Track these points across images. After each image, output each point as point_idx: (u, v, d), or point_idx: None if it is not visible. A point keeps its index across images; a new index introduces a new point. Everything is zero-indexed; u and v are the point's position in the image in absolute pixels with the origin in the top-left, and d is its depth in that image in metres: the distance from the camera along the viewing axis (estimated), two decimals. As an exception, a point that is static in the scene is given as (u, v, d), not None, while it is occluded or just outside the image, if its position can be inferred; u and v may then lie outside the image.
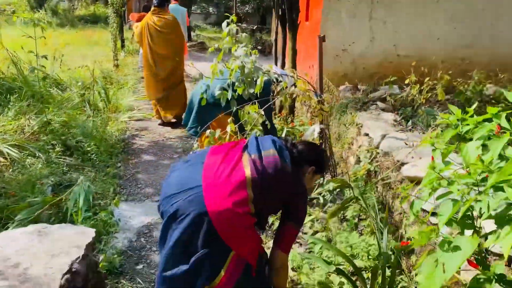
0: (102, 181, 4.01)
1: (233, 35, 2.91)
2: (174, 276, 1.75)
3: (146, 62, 5.70)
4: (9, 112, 5.32)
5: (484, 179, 1.24)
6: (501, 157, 1.29)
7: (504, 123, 1.29)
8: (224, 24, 2.89)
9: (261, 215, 1.84)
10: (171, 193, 1.79)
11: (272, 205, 1.90)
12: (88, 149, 4.55)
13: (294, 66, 5.30)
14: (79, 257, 2.01)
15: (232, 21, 2.94)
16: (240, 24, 23.73)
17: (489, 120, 1.41)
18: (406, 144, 3.36)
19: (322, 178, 3.55)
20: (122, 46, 12.43)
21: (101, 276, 2.29)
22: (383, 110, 4.47)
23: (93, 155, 4.51)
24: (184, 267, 1.74)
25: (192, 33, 19.94)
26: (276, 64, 6.18)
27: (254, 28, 23.26)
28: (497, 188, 1.22)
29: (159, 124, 5.79)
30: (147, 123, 5.85)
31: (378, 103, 4.62)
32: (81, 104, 5.97)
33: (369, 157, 3.53)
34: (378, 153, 3.51)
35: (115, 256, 2.73)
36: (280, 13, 5.32)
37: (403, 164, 3.14)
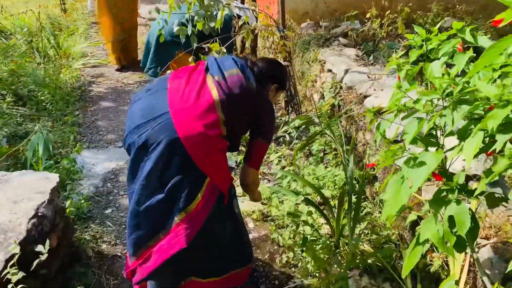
0: (60, 130, 3.85)
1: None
2: (149, 206, 1.72)
3: (105, 3, 5.38)
4: None
5: (449, 94, 1.26)
6: (464, 72, 1.31)
7: (469, 37, 1.30)
8: None
9: (232, 137, 1.81)
10: (138, 124, 1.72)
11: (241, 124, 1.87)
12: (42, 98, 4.32)
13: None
14: (44, 201, 1.95)
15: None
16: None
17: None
18: (369, 78, 3.39)
19: (290, 113, 3.57)
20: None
21: (69, 221, 2.25)
22: (345, 45, 4.45)
23: (48, 104, 4.29)
24: (159, 196, 1.71)
25: None
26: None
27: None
28: (461, 102, 1.25)
29: (116, 70, 5.58)
30: (102, 70, 5.58)
31: (340, 39, 4.59)
32: (29, 52, 5.59)
33: (333, 92, 3.55)
34: (342, 87, 3.53)
35: (82, 201, 2.68)
36: None
37: (366, 97, 3.18)
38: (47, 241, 1.74)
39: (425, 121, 1.38)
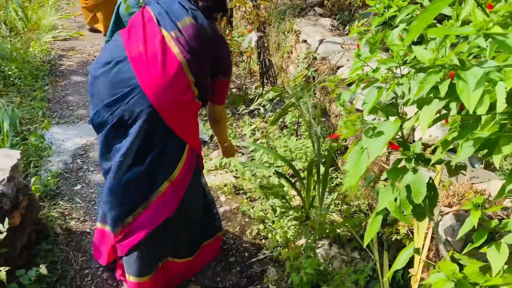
0: (29, 105, 3.74)
1: None
2: (128, 181, 1.70)
3: None
4: None
5: (407, 62, 1.24)
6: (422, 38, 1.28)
7: (427, 2, 1.26)
8: None
9: (201, 90, 1.77)
10: (108, 101, 1.66)
11: (205, 72, 1.82)
12: (10, 73, 4.17)
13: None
14: (4, 179, 1.90)
15: None
16: None
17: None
18: (342, 48, 3.35)
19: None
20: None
21: (34, 198, 2.21)
22: (321, 15, 4.38)
23: (17, 79, 4.15)
24: (140, 169, 1.70)
25: None
26: None
27: None
28: (420, 70, 1.23)
29: (89, 30, 5.77)
30: (73, 43, 5.40)
31: (316, 8, 4.50)
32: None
33: (307, 63, 3.50)
34: (316, 58, 3.48)
35: (50, 178, 2.62)
36: None
37: (339, 67, 3.15)
38: (6, 220, 1.70)
39: (384, 90, 1.36)
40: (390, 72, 1.35)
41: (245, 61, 4.77)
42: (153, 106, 1.62)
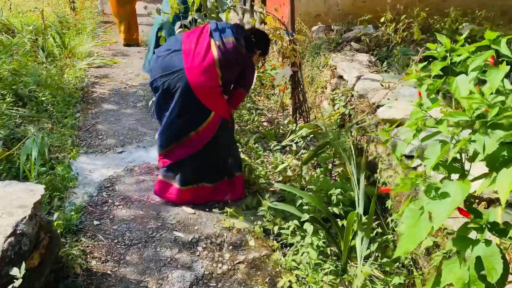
0: (59, 132, 3.72)
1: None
2: (172, 123, 2.62)
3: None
4: None
5: (480, 116, 1.07)
6: (499, 92, 1.12)
7: (505, 50, 1.10)
8: None
9: (226, 85, 2.62)
10: (162, 74, 2.54)
11: (232, 77, 2.64)
12: (43, 99, 4.19)
13: (264, 0, 4.96)
14: (25, 217, 1.79)
15: None
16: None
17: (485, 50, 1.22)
18: (382, 86, 3.19)
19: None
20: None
21: (56, 235, 2.09)
22: (358, 51, 4.26)
23: (49, 105, 4.17)
24: (180, 120, 2.59)
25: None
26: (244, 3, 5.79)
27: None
28: (495, 126, 1.06)
29: (124, 45, 6.76)
30: (107, 70, 5.46)
31: (353, 43, 4.39)
32: (33, 50, 5.48)
33: (344, 100, 3.35)
34: (353, 95, 3.34)
35: (73, 213, 2.52)
36: None
37: (378, 106, 2.99)
38: (23, 265, 1.58)
39: (449, 146, 1.19)
40: (457, 125, 1.18)
41: (277, 94, 4.67)
42: (189, 83, 2.46)
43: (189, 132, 2.62)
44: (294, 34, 3.32)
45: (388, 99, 3.00)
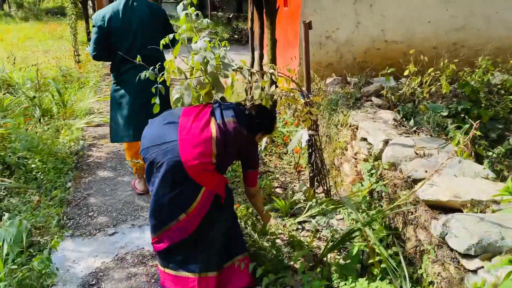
0: (47, 206, 3.28)
1: (192, 21, 2.21)
2: (159, 201, 2.24)
3: None
4: None
5: None
6: None
7: None
8: (179, 7, 2.18)
9: (220, 166, 2.27)
10: (152, 144, 2.22)
11: (229, 158, 2.34)
12: (33, 166, 3.80)
13: (274, 58, 4.61)
14: None
15: (191, 3, 2.23)
16: (215, 12, 22.77)
17: None
18: (417, 154, 2.72)
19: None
20: (89, 39, 11.48)
21: None
22: (380, 107, 3.83)
23: (40, 173, 3.76)
24: (166, 199, 2.21)
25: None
26: (253, 55, 5.47)
27: (230, 16, 22.35)
28: None
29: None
30: (106, 129, 5.08)
31: (373, 98, 3.97)
32: (30, 109, 5.17)
33: (372, 174, 2.87)
34: (381, 165, 2.87)
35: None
36: (255, -3, 4.60)
37: (415, 181, 2.51)
38: None
39: None
40: None
41: (291, 154, 4.23)
42: (179, 156, 2.13)
43: (179, 215, 2.24)
44: (310, 95, 2.91)
45: (426, 171, 2.53)
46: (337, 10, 6.31)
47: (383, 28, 6.48)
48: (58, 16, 21.14)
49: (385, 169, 2.82)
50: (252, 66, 5.52)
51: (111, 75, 3.42)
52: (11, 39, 12.49)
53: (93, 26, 3.21)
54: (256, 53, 4.87)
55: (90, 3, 16.94)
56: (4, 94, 5.72)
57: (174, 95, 2.38)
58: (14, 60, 7.67)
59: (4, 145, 3.96)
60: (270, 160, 4.23)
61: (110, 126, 3.50)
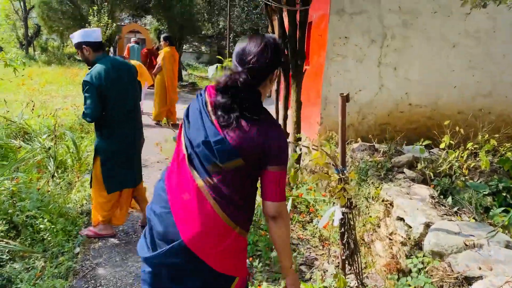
0: (52, 276, 3.02)
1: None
2: None
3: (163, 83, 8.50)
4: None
5: None
6: None
7: None
8: (211, 68, 2.03)
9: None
10: (154, 254, 1.64)
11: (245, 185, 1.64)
12: (41, 226, 3.57)
13: (298, 120, 4.46)
14: None
15: (222, 65, 2.08)
16: (232, 63, 23.25)
17: None
18: (467, 245, 2.44)
19: None
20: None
21: None
22: (413, 180, 3.59)
23: (47, 234, 3.52)
24: None
25: (184, 72, 19.34)
26: (277, 116, 5.33)
27: (247, 67, 22.80)
28: None
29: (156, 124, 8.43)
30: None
31: (405, 170, 3.74)
32: (45, 160, 5.02)
33: (420, 270, 2.57)
34: (425, 255, 2.58)
35: None
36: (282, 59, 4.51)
37: (467, 279, 2.21)
38: None
39: None
40: None
41: (315, 226, 3.94)
42: (208, 265, 1.62)
43: None
44: (345, 170, 2.68)
45: (480, 267, 2.23)
46: (360, 72, 6.24)
47: (407, 91, 6.37)
48: (80, 61, 21.68)
49: (427, 254, 2.53)
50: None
51: (99, 131, 3.52)
52: (32, 84, 12.69)
53: (87, 87, 3.28)
54: (281, 114, 4.72)
55: (111, 49, 17.41)
56: (19, 142, 5.62)
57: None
58: (33, 106, 7.67)
59: (13, 202, 3.75)
60: (293, 230, 3.95)
61: (105, 179, 3.55)
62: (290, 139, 4.53)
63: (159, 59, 8.49)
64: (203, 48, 26.53)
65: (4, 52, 6.94)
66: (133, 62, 7.92)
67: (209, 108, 1.59)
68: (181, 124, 1.69)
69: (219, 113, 1.56)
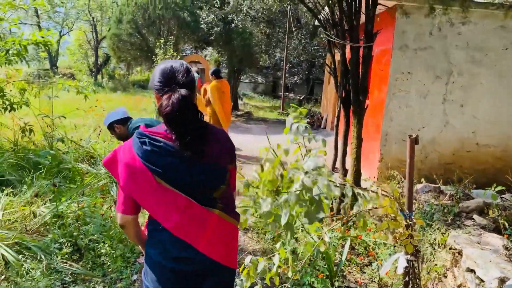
0: (109, 302, 3.08)
1: (299, 134, 2.02)
2: None
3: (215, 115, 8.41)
4: (27, 192, 4.66)
5: None
6: None
7: None
8: (289, 119, 2.02)
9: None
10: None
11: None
12: (103, 250, 3.68)
13: (358, 157, 4.34)
14: None
15: (300, 114, 2.07)
16: (287, 94, 23.47)
17: None
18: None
19: None
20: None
21: None
22: (484, 228, 3.34)
23: (107, 259, 3.63)
24: None
25: (240, 102, 19.76)
26: (336, 152, 5.24)
27: (301, 98, 22.90)
28: None
29: None
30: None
31: (475, 217, 3.49)
32: (108, 186, 5.24)
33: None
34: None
35: None
36: (343, 94, 4.46)
37: None
38: None
39: None
40: None
41: (375, 270, 3.75)
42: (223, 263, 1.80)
43: None
44: (412, 216, 2.54)
45: None
46: (424, 108, 6.04)
47: (474, 130, 6.06)
48: (144, 88, 22.87)
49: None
50: (334, 163, 5.27)
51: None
52: (99, 109, 13.48)
53: None
54: (340, 150, 4.63)
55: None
56: (86, 166, 5.93)
57: (263, 208, 2.15)
58: (100, 131, 8.11)
59: (78, 225, 3.92)
60: (350, 273, 3.78)
61: None
62: (349, 176, 4.43)
63: (208, 93, 8.72)
64: (259, 79, 27.06)
65: (77, 80, 7.45)
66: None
67: (175, 145, 1.63)
68: (150, 177, 1.65)
69: (189, 143, 1.64)
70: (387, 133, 6.18)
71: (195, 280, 1.76)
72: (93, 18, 29.14)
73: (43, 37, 6.38)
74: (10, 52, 6.24)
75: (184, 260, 1.72)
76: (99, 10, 29.43)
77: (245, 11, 15.79)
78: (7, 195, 4.49)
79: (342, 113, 4.67)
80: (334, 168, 5.47)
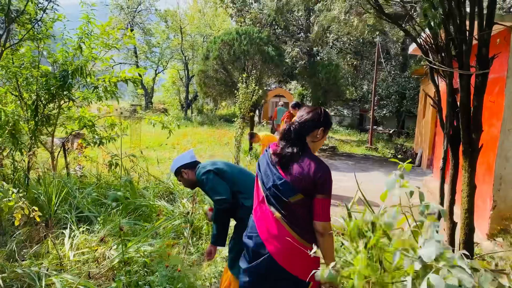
0: None
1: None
2: None
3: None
4: (101, 230, 4.53)
5: None
6: None
7: None
8: (388, 182, 1.47)
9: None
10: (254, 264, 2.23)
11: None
12: None
13: (471, 208, 3.52)
14: None
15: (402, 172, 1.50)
16: (376, 127, 22.29)
17: None
18: None
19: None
20: (250, 148, 11.90)
21: None
22: None
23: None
24: None
25: (324, 136, 19.10)
26: (442, 201, 4.41)
27: (392, 132, 21.55)
28: None
29: None
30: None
31: None
32: (181, 226, 4.96)
33: None
34: None
35: None
36: (450, 131, 3.70)
37: None
38: None
39: None
40: None
41: None
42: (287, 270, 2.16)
43: None
44: None
45: None
46: (552, 148, 4.97)
47: None
48: (229, 122, 23.31)
49: None
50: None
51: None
52: (185, 143, 13.80)
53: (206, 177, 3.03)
54: (446, 199, 3.82)
55: (257, 112, 18.30)
56: (163, 203, 5.75)
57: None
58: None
59: (145, 273, 3.61)
60: None
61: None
62: (458, 230, 3.61)
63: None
64: (345, 112, 26.24)
65: (162, 115, 7.45)
66: (261, 134, 7.61)
67: (273, 157, 2.19)
68: (256, 174, 2.29)
69: (279, 159, 2.15)
70: (501, 176, 5.19)
71: None
72: (185, 56, 30.92)
73: (132, 75, 6.51)
74: (100, 88, 6.43)
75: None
76: (190, 49, 31.23)
77: (331, 43, 15.42)
78: (82, 232, 4.39)
79: (449, 154, 3.90)
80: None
